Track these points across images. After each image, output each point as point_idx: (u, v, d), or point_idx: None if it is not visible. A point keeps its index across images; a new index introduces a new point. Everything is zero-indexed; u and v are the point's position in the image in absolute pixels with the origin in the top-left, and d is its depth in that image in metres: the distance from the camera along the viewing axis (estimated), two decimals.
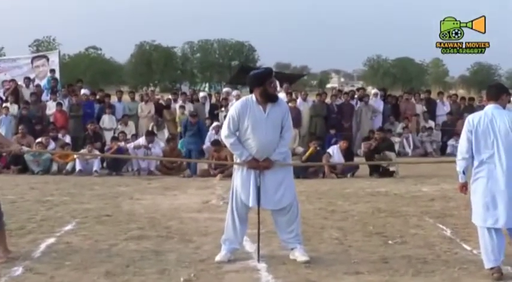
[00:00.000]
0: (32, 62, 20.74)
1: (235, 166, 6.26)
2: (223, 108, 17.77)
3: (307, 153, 13.82)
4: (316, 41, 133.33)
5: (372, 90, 20.14)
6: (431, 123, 18.78)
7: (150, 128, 16.55)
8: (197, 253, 6.40)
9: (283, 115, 6.07)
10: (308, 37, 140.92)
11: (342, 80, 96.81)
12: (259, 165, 5.98)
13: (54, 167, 13.97)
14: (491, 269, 5.49)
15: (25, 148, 8.46)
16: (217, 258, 6.06)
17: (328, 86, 71.69)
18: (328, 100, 18.65)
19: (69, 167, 13.87)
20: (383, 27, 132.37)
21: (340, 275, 5.57)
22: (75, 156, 13.86)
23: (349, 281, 5.41)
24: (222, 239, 6.20)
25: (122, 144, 14.45)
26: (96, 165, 13.70)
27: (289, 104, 17.52)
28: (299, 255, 6.05)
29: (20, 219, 8.13)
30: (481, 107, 19.36)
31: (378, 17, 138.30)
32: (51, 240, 6.97)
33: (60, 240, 6.96)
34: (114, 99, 18.54)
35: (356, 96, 18.87)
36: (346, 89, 35.00)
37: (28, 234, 7.25)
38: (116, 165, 13.90)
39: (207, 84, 68.71)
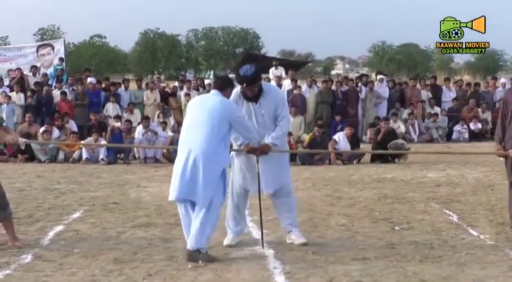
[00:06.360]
0: (37, 51, 20.78)
1: (232, 152, 6.30)
2: None
3: (307, 139, 13.89)
4: (320, 28, 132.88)
5: (377, 76, 19.96)
6: (436, 109, 18.71)
7: (156, 116, 16.57)
8: None
9: (277, 104, 6.10)
10: (313, 24, 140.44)
11: (347, 66, 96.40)
12: (256, 149, 6.02)
13: (61, 156, 13.99)
14: None
15: (22, 139, 8.38)
16: (225, 242, 6.15)
17: (333, 72, 71.34)
18: (333, 87, 18.60)
19: (75, 155, 13.88)
20: (388, 14, 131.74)
21: (348, 261, 5.59)
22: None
23: (356, 266, 5.41)
24: (226, 223, 6.29)
25: (118, 124, 14.92)
26: (102, 153, 13.72)
27: (294, 91, 17.55)
28: (296, 238, 6.15)
29: (28, 207, 8.19)
30: (487, 93, 19.46)
31: (382, 3, 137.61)
32: (60, 227, 7.02)
33: (69, 228, 7.01)
34: (122, 87, 18.47)
35: (360, 84, 18.76)
36: (351, 75, 34.85)
37: (36, 222, 7.30)
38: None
39: (211, 72, 68.49)
